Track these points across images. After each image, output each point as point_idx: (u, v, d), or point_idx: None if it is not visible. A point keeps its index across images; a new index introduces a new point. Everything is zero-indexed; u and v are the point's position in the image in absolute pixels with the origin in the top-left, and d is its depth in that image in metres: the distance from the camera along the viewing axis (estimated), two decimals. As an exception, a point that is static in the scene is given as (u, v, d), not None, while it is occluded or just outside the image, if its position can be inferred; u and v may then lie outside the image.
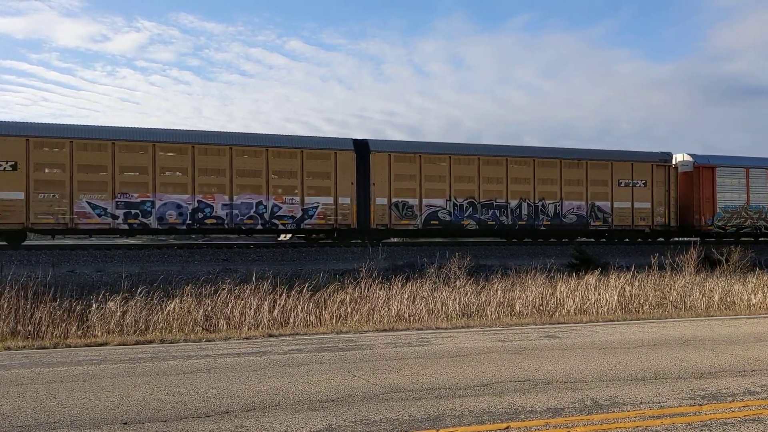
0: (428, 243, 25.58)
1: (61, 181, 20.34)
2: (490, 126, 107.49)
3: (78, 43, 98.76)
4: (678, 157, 28.19)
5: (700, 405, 5.71)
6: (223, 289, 12.21)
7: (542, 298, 13.32)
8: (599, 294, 13.62)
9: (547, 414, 5.40)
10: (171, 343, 9.16)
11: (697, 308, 13.40)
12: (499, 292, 13.36)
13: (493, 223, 25.25)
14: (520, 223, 25.53)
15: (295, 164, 22.77)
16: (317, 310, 12.03)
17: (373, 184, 23.70)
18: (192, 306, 11.52)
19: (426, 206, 24.29)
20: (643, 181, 27.11)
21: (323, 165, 23.16)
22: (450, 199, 24.62)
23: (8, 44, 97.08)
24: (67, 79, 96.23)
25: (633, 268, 15.81)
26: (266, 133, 24.05)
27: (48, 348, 8.67)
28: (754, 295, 14.54)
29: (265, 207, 22.45)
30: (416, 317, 11.90)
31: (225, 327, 10.99)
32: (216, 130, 23.96)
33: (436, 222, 24.56)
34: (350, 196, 23.39)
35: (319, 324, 11.37)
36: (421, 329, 10.39)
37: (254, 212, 22.37)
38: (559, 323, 11.24)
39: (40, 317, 10.51)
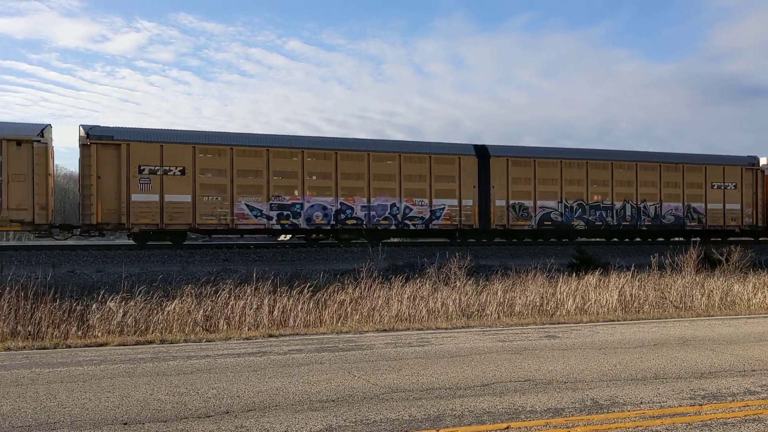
0: (428, 243, 25.63)
1: (223, 185, 22.10)
2: (490, 126, 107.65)
3: (77, 43, 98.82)
4: (763, 161, 29.59)
5: (701, 405, 5.71)
6: (224, 290, 12.21)
7: (542, 298, 13.32)
8: (599, 294, 13.62)
9: (548, 414, 5.40)
10: (171, 343, 9.16)
11: (697, 308, 13.40)
12: (499, 292, 13.36)
13: (600, 223, 26.67)
14: (624, 223, 26.95)
15: (424, 168, 24.45)
16: (317, 310, 12.03)
17: (493, 187, 25.30)
18: (192, 306, 11.52)
19: (540, 208, 25.88)
20: (734, 184, 28.65)
21: (449, 169, 24.82)
22: (561, 201, 26.21)
23: (8, 44, 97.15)
24: (66, 79, 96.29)
25: (633, 268, 15.81)
26: (398, 140, 26.56)
27: (48, 348, 8.67)
28: (754, 294, 14.54)
29: (398, 208, 24.12)
30: (416, 317, 11.90)
31: (225, 327, 11.00)
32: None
33: (549, 223, 26.11)
34: (472, 198, 25.07)
35: (319, 324, 11.37)
36: (422, 329, 10.39)
37: (389, 213, 24.03)
38: (559, 323, 11.24)
39: (41, 317, 10.51)
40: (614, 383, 6.51)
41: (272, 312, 11.63)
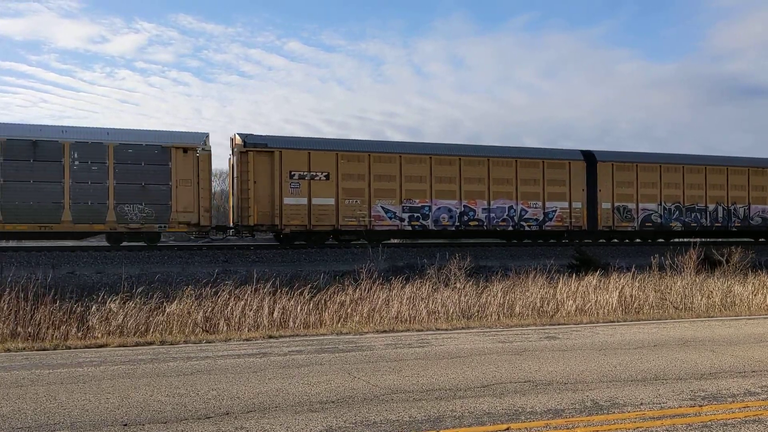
0: (428, 244, 25.67)
1: (361, 188, 23.94)
2: (490, 126, 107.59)
3: (77, 44, 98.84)
4: None
5: (701, 406, 5.71)
6: (224, 291, 12.21)
7: (542, 299, 13.31)
8: (599, 295, 13.61)
9: (548, 415, 5.40)
10: (171, 344, 9.16)
11: (698, 309, 13.39)
12: (499, 293, 13.35)
13: (695, 225, 28.27)
14: (716, 224, 28.60)
15: (537, 173, 26.25)
16: (317, 311, 12.02)
17: (600, 190, 27.09)
18: (192, 307, 11.51)
19: (641, 210, 27.69)
20: None
21: (559, 174, 26.62)
22: (661, 204, 28.00)
23: (7, 46, 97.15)
24: (66, 80, 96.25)
25: (633, 269, 15.80)
26: (514, 146, 27.95)
27: (48, 350, 8.67)
28: (755, 295, 14.53)
29: (515, 211, 25.91)
30: (416, 318, 11.89)
31: (225, 328, 10.99)
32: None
33: (650, 224, 27.85)
34: (581, 201, 26.85)
35: (319, 325, 11.37)
36: (421, 330, 10.38)
37: (506, 215, 25.83)
38: (559, 324, 11.24)
39: (41, 319, 10.50)
40: (614, 384, 6.51)
41: (272, 313, 11.63)
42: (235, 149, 23.24)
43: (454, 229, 24.95)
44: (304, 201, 23.15)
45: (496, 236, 26.32)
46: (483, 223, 25.29)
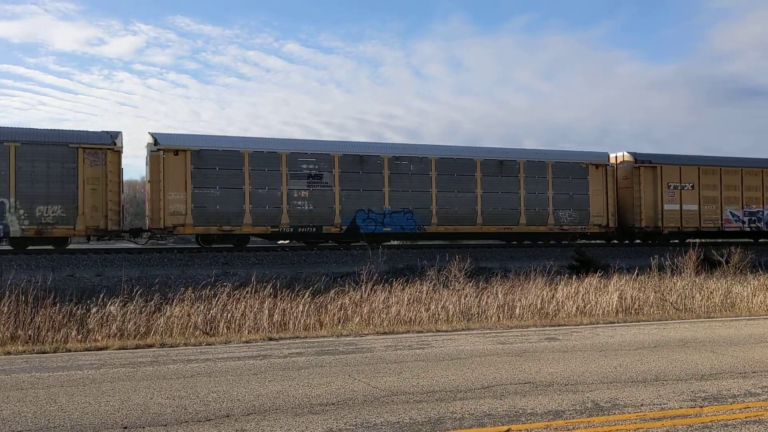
0: (428, 245, 25.74)
1: (715, 197, 28.69)
2: (490, 128, 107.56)
3: (74, 46, 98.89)
4: None
5: (701, 407, 5.70)
6: (223, 293, 12.20)
7: (543, 300, 13.31)
8: (600, 296, 13.61)
9: (548, 416, 5.39)
10: (171, 347, 9.15)
11: (698, 310, 13.39)
12: (499, 294, 13.35)
13: None
14: None
15: None
16: (317, 313, 12.02)
17: None
18: (192, 310, 11.51)
19: None
20: None
21: None
22: None
23: (5, 48, 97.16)
24: (64, 83, 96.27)
25: (635, 270, 15.80)
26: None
27: (48, 352, 8.67)
28: (755, 296, 14.53)
29: None
30: (416, 320, 11.89)
31: (225, 331, 10.98)
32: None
33: None
34: None
35: (319, 327, 11.36)
36: (422, 332, 10.38)
37: None
38: (559, 325, 11.24)
39: (40, 322, 10.50)
40: (615, 385, 6.51)
41: (272, 315, 11.63)
42: (624, 165, 28.09)
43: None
44: (677, 207, 27.98)
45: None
46: None
